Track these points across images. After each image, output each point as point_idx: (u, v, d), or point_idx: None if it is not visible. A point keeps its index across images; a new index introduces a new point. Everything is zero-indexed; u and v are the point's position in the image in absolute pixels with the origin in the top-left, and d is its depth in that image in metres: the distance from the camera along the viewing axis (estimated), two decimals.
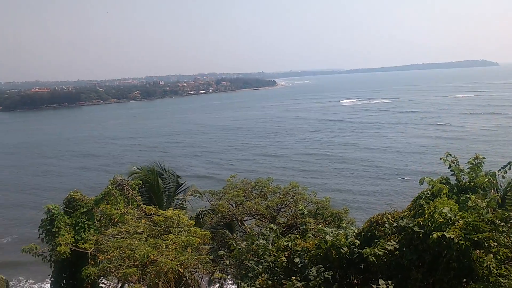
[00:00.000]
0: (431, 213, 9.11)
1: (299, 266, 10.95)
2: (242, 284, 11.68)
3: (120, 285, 14.19)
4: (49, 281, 16.04)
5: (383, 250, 9.35)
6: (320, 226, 13.39)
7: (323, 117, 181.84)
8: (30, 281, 49.35)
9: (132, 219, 14.54)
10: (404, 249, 9.42)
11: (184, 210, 20.24)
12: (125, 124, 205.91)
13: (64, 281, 15.25)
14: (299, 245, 11.53)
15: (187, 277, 14.92)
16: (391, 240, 9.75)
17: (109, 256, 12.48)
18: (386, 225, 10.26)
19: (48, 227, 15.00)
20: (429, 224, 9.03)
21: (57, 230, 14.49)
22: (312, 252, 11.15)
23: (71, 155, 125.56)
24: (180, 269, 11.88)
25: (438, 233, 8.43)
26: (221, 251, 14.91)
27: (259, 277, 11.93)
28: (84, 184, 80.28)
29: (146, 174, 23.31)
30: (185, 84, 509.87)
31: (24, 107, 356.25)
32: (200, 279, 17.73)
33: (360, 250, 10.09)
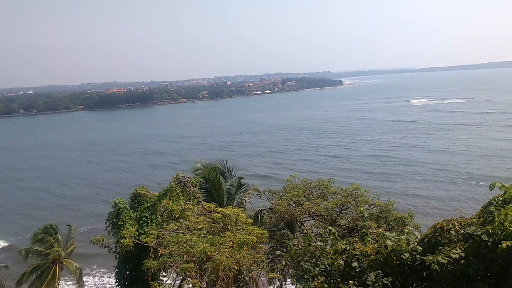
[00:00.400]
0: (502, 220, 8.39)
1: (357, 270, 10.61)
2: (298, 285, 11.55)
3: (178, 279, 14.59)
4: (114, 271, 16.92)
5: (447, 258, 8.78)
6: (380, 230, 12.87)
7: (391, 118, 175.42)
8: (102, 270, 52.41)
9: (192, 215, 14.90)
10: (470, 258, 8.77)
11: (243, 208, 20.40)
12: (193, 123, 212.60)
13: (127, 272, 16.00)
14: (358, 248, 11.18)
15: (245, 275, 15.02)
16: (457, 248, 9.14)
17: (168, 251, 12.87)
18: (451, 232, 9.62)
19: (114, 220, 15.82)
20: (499, 232, 8.33)
21: (122, 223, 15.22)
22: (371, 256, 10.76)
23: (142, 153, 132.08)
24: (235, 267, 11.96)
25: (508, 243, 7.75)
26: (278, 251, 14.85)
27: (315, 279, 11.73)
28: (151, 180, 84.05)
29: (209, 171, 23.82)
30: (251, 84, 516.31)
31: (102, 106, 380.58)
32: (258, 278, 17.81)
33: (422, 257, 9.57)
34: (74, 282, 43.51)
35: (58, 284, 40.84)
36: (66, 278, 47.19)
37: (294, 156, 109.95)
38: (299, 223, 22.30)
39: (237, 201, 24.53)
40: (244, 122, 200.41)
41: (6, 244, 62.12)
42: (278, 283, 24.06)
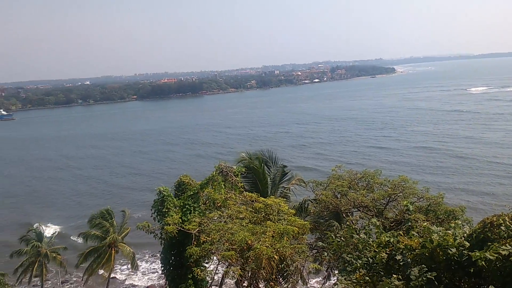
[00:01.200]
0: None
1: (401, 264, 10.34)
2: (339, 277, 11.44)
3: (220, 266, 14.83)
4: (160, 256, 17.51)
5: (495, 255, 8.33)
6: (426, 223, 12.41)
7: (445, 108, 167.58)
8: (156, 255, 54.32)
9: (234, 205, 15.05)
10: None
11: (286, 199, 20.35)
12: (240, 113, 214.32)
13: (172, 257, 16.49)
14: (402, 242, 10.86)
15: (286, 265, 15.01)
16: (507, 244, 8.63)
17: (210, 238, 13.09)
18: (502, 227, 9.10)
19: (159, 207, 16.32)
20: None
21: (166, 210, 15.67)
22: (416, 251, 10.44)
23: (189, 143, 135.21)
24: (276, 256, 11.99)
25: None
26: (320, 242, 14.72)
27: (357, 271, 11.55)
28: (197, 170, 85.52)
29: (253, 161, 23.91)
30: (299, 73, 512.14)
31: (154, 96, 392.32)
32: (302, 268, 17.75)
33: (470, 253, 9.15)
34: (129, 265, 45.62)
35: (114, 266, 43.02)
36: (121, 261, 49.38)
37: (341, 147, 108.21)
38: (344, 214, 21.96)
39: (281, 190, 24.50)
40: (291, 112, 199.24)
41: (63, 228, 65.95)
42: (326, 274, 23.89)
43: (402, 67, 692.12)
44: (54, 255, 44.00)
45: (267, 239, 12.54)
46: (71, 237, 59.17)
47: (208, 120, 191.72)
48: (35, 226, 45.44)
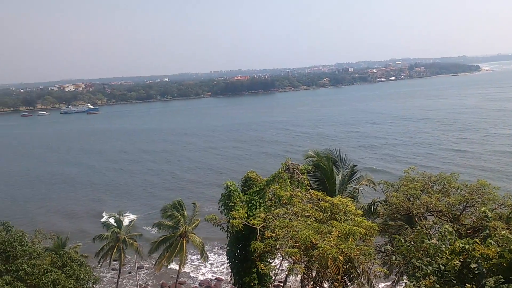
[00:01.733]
0: None
1: (475, 273, 9.79)
2: (408, 283, 11.11)
3: (283, 262, 14.89)
4: (226, 249, 17.96)
5: None
6: (505, 232, 11.54)
7: None
8: (224, 248, 55.79)
9: (300, 202, 15.01)
10: None
11: (354, 199, 19.89)
12: (310, 110, 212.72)
13: (237, 251, 16.85)
14: (478, 250, 10.25)
15: (352, 266, 14.70)
16: None
17: (275, 234, 13.18)
18: None
19: (226, 201, 16.75)
20: None
21: (233, 205, 16.04)
22: (493, 260, 9.82)
23: (257, 140, 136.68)
24: (340, 257, 11.80)
25: None
26: (388, 246, 14.25)
27: (427, 278, 11.13)
28: (263, 168, 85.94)
29: (321, 159, 23.65)
30: (375, 71, 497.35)
31: (228, 92, 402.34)
32: (370, 271, 17.30)
33: None
34: (198, 255, 47.34)
35: (186, 256, 44.91)
36: (191, 251, 51.28)
37: (415, 149, 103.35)
38: (416, 218, 20.98)
39: (349, 191, 23.99)
40: (364, 111, 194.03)
41: (138, 218, 69.93)
42: (395, 278, 23.09)
43: (488, 65, 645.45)
44: (131, 241, 46.77)
45: (332, 239, 12.37)
46: (144, 226, 62.50)
47: (278, 117, 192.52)
48: (115, 213, 48.52)
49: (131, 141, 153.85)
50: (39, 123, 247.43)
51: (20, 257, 22.39)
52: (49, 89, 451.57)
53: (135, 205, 77.33)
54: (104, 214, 74.25)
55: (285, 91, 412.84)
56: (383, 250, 19.67)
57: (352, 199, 17.40)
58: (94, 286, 27.44)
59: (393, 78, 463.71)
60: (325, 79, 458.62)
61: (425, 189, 21.15)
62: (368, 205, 22.64)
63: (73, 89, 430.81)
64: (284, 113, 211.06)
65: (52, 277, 22.10)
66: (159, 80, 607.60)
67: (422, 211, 20.31)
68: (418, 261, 11.74)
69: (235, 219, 14.96)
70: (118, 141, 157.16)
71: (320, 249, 11.68)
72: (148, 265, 55.70)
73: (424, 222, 20.87)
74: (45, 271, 22.39)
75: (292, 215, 14.18)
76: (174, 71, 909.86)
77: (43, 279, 21.75)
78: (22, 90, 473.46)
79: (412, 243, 13.10)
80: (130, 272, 55.26)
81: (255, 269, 15.33)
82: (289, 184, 16.08)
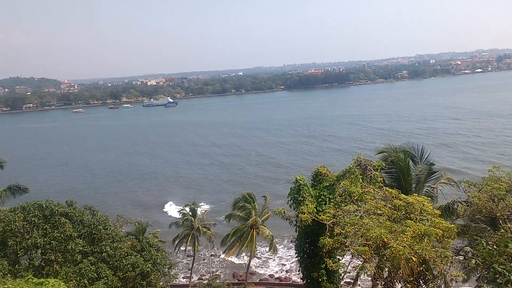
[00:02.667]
0: None
1: None
2: None
3: (353, 260, 14.55)
4: (294, 243, 17.95)
5: None
6: None
7: None
8: (292, 242, 55.92)
9: (372, 199, 14.53)
10: None
11: (430, 198, 18.83)
12: (385, 105, 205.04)
13: (306, 245, 16.77)
14: None
15: (432, 269, 13.99)
16: None
17: (344, 231, 12.91)
18: None
19: (295, 196, 16.71)
20: None
21: (302, 199, 15.95)
22: None
23: (327, 135, 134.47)
24: (413, 258, 11.24)
25: None
26: (467, 248, 13.36)
27: (509, 285, 10.38)
28: (331, 164, 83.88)
29: (397, 155, 22.63)
30: (458, 62, 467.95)
31: (301, 86, 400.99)
32: (447, 274, 16.38)
33: None
34: (268, 247, 47.98)
35: (256, 247, 45.75)
36: (260, 243, 52.03)
37: (501, 148, 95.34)
38: (500, 221, 19.39)
39: (426, 189, 22.72)
40: (444, 106, 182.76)
41: (210, 209, 72.21)
42: (477, 284, 21.61)
43: None
44: (204, 230, 48.53)
45: (405, 239, 11.83)
46: (216, 217, 64.34)
47: (351, 111, 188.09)
48: (190, 203, 50.55)
49: (203, 134, 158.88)
50: (124, 116, 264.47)
51: (103, 239, 24.10)
52: (133, 83, 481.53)
53: (205, 198, 79.88)
54: (169, 204, 77.89)
55: (360, 84, 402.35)
56: (462, 253, 18.50)
57: (429, 199, 16.49)
58: (170, 270, 28.83)
59: (479, 70, 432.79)
60: (403, 72, 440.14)
61: (511, 190, 19.47)
62: (447, 205, 21.31)
63: (155, 83, 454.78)
64: (358, 107, 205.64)
65: (131, 260, 23.58)
66: (234, 74, 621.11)
67: (507, 213, 18.74)
68: (501, 266, 11.13)
69: (304, 214, 14.87)
70: (190, 133, 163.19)
71: (392, 249, 11.22)
72: (220, 254, 57.48)
73: (508, 225, 19.24)
74: (126, 254, 23.94)
75: (363, 212, 13.76)
76: (248, 65, 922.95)
77: (124, 261, 23.28)
78: (109, 84, 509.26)
79: (494, 247, 12.22)
80: (203, 259, 57.41)
81: (324, 265, 15.14)
82: (361, 180, 15.61)
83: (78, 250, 22.19)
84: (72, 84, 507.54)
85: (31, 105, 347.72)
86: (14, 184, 30.19)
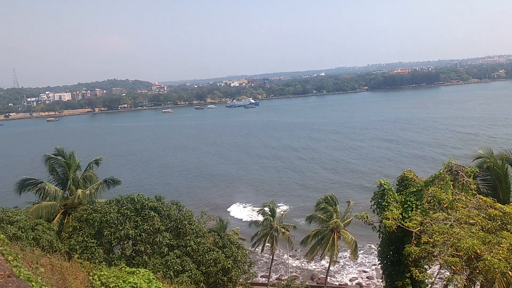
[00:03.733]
0: None
1: None
2: None
3: (441, 272, 13.70)
4: (377, 250, 17.32)
5: None
6: None
7: None
8: (374, 248, 54.13)
9: (464, 208, 13.58)
10: None
11: None
12: (478, 107, 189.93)
13: (390, 253, 16.09)
14: None
15: None
16: None
17: (432, 240, 12.21)
18: None
19: (379, 200, 16.09)
20: None
21: (386, 204, 15.32)
22: None
23: (409, 140, 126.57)
24: (510, 273, 10.31)
25: None
26: None
27: None
28: (419, 168, 79.29)
29: (493, 161, 20.97)
30: None
31: (386, 86, 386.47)
32: None
33: None
34: (349, 252, 46.90)
35: (338, 251, 44.98)
36: (341, 247, 50.96)
37: None
38: None
39: None
40: None
41: (289, 210, 72.19)
42: None
43: None
44: (283, 230, 48.75)
45: (501, 251, 10.90)
46: (293, 218, 64.08)
47: (438, 114, 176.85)
48: (268, 202, 51.05)
49: (278, 136, 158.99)
50: (207, 116, 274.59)
51: (188, 234, 25.25)
52: (218, 84, 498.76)
53: (290, 200, 79.80)
54: (237, 205, 78.73)
55: (452, 84, 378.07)
56: None
57: None
58: (250, 268, 29.37)
59: None
60: (500, 71, 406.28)
61: None
62: None
63: (237, 85, 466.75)
64: (447, 109, 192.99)
65: (213, 255, 24.43)
66: (315, 74, 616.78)
67: None
68: None
69: (388, 220, 14.29)
70: (265, 134, 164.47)
71: (486, 261, 10.41)
72: (299, 255, 57.32)
73: None
74: (208, 249, 24.86)
75: (453, 221, 12.92)
76: (330, 66, 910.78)
77: (206, 256, 24.19)
78: (195, 86, 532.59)
79: None
80: (282, 260, 57.70)
81: (409, 274, 14.43)
82: (452, 187, 14.66)
83: (165, 243, 23.50)
84: (162, 86, 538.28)
85: (125, 105, 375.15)
86: (109, 178, 32.85)
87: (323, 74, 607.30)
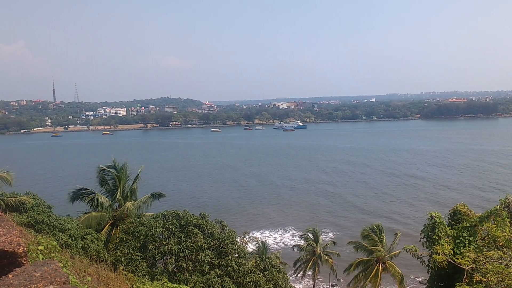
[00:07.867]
0: None
1: None
2: None
3: None
4: (425, 285, 16.50)
5: None
6: None
7: None
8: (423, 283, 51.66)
9: None
10: None
11: None
12: None
13: None
14: None
15: None
16: None
17: (485, 279, 11.49)
18: None
19: (429, 233, 15.39)
20: None
21: (437, 238, 14.63)
22: None
23: (467, 167, 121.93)
24: None
25: None
26: None
27: None
28: (471, 202, 75.09)
29: None
30: None
31: (439, 115, 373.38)
32: None
33: None
34: (395, 285, 44.97)
35: (380, 283, 43.21)
36: (387, 280, 48.96)
37: None
38: None
39: None
40: None
41: (335, 236, 70.40)
42: None
43: None
44: (326, 257, 47.69)
45: None
46: (337, 245, 62.38)
47: (497, 146, 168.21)
48: (312, 228, 50.28)
49: (314, 159, 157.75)
50: (253, 136, 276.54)
51: (230, 254, 25.24)
52: (266, 106, 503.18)
53: (340, 224, 78.06)
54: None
55: (511, 116, 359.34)
56: None
57: None
58: None
59: None
60: None
61: None
62: None
63: (286, 107, 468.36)
64: (504, 141, 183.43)
65: (254, 278, 24.21)
66: (365, 100, 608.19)
67: None
68: None
69: (439, 255, 13.64)
70: (304, 158, 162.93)
71: None
72: (342, 284, 55.64)
73: None
74: (249, 271, 24.69)
75: (509, 260, 12.12)
76: (381, 92, 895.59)
77: (247, 278, 24.01)
78: (244, 106, 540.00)
79: None
80: (323, 287, 56.23)
81: None
82: (509, 224, 13.82)
83: (206, 261, 23.59)
84: (212, 105, 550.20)
85: (176, 122, 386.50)
86: (156, 192, 33.86)
87: (373, 100, 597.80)
